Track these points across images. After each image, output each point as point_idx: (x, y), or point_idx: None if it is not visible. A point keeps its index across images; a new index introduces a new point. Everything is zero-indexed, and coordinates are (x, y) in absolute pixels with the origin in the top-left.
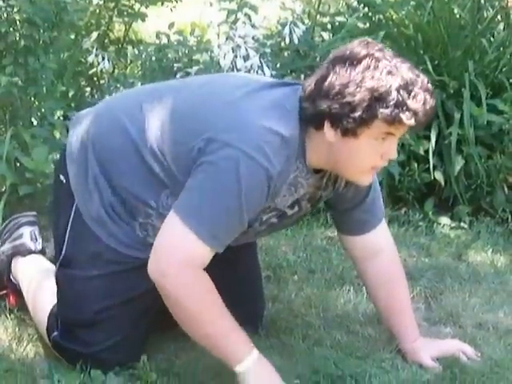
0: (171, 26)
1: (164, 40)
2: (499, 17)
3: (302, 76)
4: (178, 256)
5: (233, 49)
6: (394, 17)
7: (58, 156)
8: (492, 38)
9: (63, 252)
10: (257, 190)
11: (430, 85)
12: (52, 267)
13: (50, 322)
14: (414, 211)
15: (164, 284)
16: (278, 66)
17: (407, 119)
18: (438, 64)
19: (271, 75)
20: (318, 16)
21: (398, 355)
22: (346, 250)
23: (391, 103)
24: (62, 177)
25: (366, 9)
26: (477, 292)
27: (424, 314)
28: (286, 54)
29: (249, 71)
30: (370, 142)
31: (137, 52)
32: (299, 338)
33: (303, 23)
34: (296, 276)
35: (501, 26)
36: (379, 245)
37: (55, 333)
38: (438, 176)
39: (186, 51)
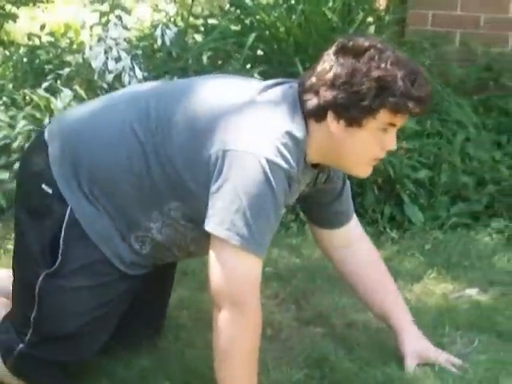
0: (43, 27)
1: (36, 41)
2: (370, 19)
3: (175, 78)
4: (247, 282)
5: (105, 50)
6: (265, 19)
7: (37, 165)
8: None
9: (58, 262)
10: (283, 192)
11: (426, 76)
12: None
13: (6, 340)
14: (286, 212)
15: (233, 310)
16: (151, 67)
17: (413, 107)
18: (310, 66)
19: (143, 77)
20: (191, 18)
21: (268, 357)
22: (321, 244)
23: (398, 92)
24: (45, 186)
25: (238, 11)
26: (347, 292)
27: (295, 315)
28: (158, 55)
29: (120, 73)
30: (373, 132)
31: (8, 53)
32: (171, 340)
33: (176, 25)
34: None
35: (372, 28)
36: (357, 233)
37: (21, 345)
38: None
39: (58, 53)
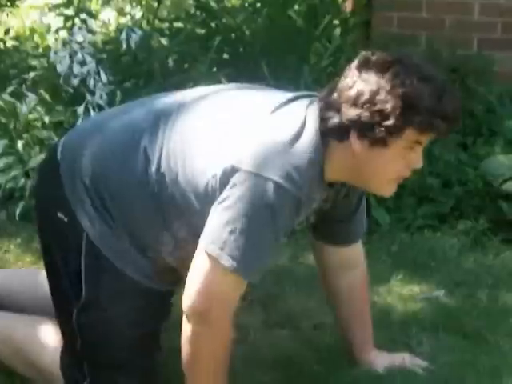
0: (7, 31)
1: (1, 45)
2: (336, 22)
3: (141, 81)
4: (225, 304)
5: (70, 54)
6: (231, 23)
7: (50, 193)
8: (328, 44)
9: (83, 294)
10: (288, 217)
11: (456, 90)
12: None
13: (70, 375)
14: None
15: (196, 325)
16: (116, 71)
17: (440, 125)
18: (275, 69)
19: (108, 81)
20: (157, 21)
21: (235, 359)
22: (319, 258)
23: (424, 110)
24: (60, 214)
25: (204, 15)
26: (314, 294)
27: (262, 317)
28: (124, 59)
29: (85, 77)
30: (399, 151)
31: None
32: None
33: (141, 29)
34: None
35: (337, 31)
36: (358, 258)
37: (85, 382)
38: None
39: (23, 57)
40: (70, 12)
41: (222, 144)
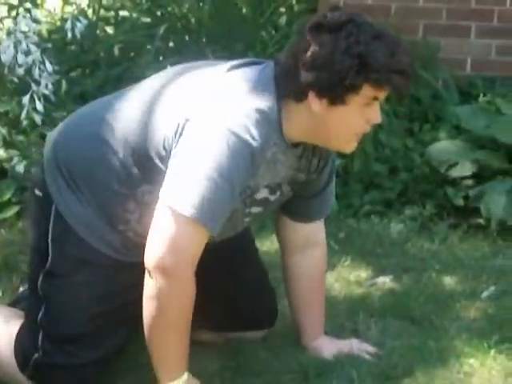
0: None
1: None
2: (282, 9)
3: (87, 70)
4: (184, 255)
5: (14, 44)
6: (176, 11)
7: (35, 173)
8: (274, 32)
9: (49, 261)
10: (243, 166)
11: (406, 45)
12: None
13: (21, 349)
14: None
15: (161, 280)
16: (62, 61)
17: (396, 80)
18: (221, 57)
19: (53, 70)
20: (102, 10)
21: None
22: (279, 233)
23: (380, 67)
24: (37, 191)
25: (149, 3)
26: None
27: None
28: (69, 49)
29: (30, 66)
30: (357, 108)
31: None
32: None
33: (87, 18)
34: None
35: (283, 18)
36: (317, 238)
37: (35, 355)
38: None
39: None
40: (14, 1)
41: (178, 103)
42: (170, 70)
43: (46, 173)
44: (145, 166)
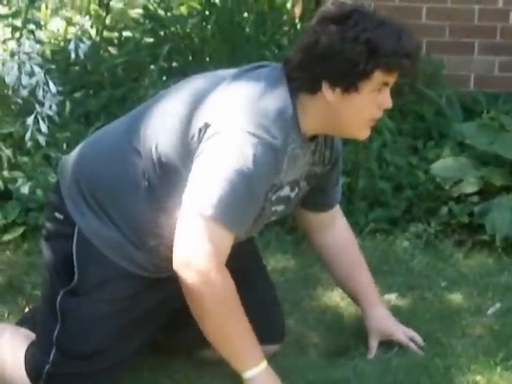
0: None
1: None
2: (285, 28)
3: (91, 91)
4: (210, 252)
5: (18, 65)
6: (179, 31)
7: (52, 197)
8: (277, 51)
9: (75, 280)
10: (265, 165)
11: (411, 29)
12: None
13: (33, 365)
14: None
15: (195, 280)
16: (65, 82)
17: (405, 63)
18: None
19: (57, 91)
20: (105, 31)
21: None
22: (302, 223)
23: (388, 51)
24: (57, 214)
25: (152, 23)
26: None
27: None
28: (72, 69)
29: (34, 88)
30: (369, 94)
31: None
32: None
33: (90, 38)
34: None
35: (286, 38)
36: (336, 214)
37: (47, 367)
38: None
39: None
40: (17, 23)
41: (196, 108)
42: (182, 82)
43: (64, 196)
44: (171, 177)
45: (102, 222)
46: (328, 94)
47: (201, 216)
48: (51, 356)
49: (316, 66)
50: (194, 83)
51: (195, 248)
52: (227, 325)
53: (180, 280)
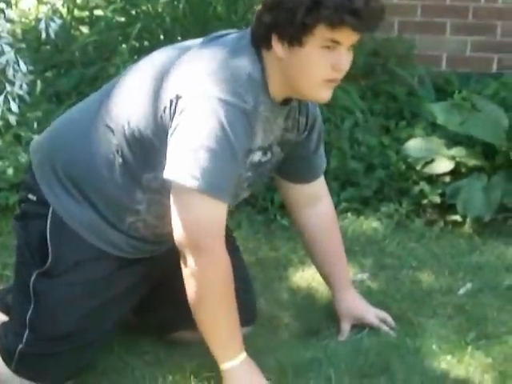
0: None
1: None
2: (256, 7)
3: (62, 70)
4: (211, 228)
5: None
6: (150, 10)
7: (25, 177)
8: None
9: (49, 261)
10: (241, 130)
11: None
12: None
13: (5, 343)
14: None
15: (193, 257)
16: (36, 61)
17: (350, 20)
18: None
19: (28, 70)
20: (76, 10)
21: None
22: (284, 197)
23: (332, 5)
24: (30, 195)
25: (124, 2)
26: None
27: None
28: (43, 48)
29: (4, 67)
30: (317, 50)
31: None
32: None
33: (62, 17)
34: None
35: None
36: (321, 192)
37: (20, 346)
38: None
39: None
40: None
41: (166, 80)
42: (150, 55)
43: (38, 178)
44: (145, 151)
45: (77, 203)
46: (278, 48)
47: (184, 189)
48: (24, 337)
49: (265, 16)
50: (161, 55)
51: (190, 225)
52: (220, 311)
53: (183, 261)
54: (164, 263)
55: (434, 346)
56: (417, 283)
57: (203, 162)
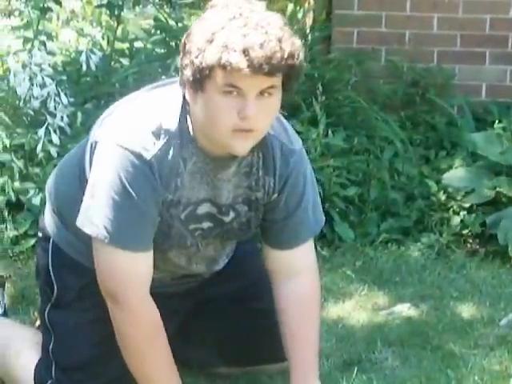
0: None
1: None
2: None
3: (102, 102)
4: (123, 279)
5: (29, 77)
6: None
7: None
8: None
9: (55, 292)
10: (138, 177)
11: (280, 24)
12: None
13: (39, 378)
14: None
15: (114, 308)
16: (77, 93)
17: (239, 61)
18: None
19: (69, 102)
20: (117, 42)
21: None
22: (266, 265)
23: (221, 43)
24: (39, 233)
25: (163, 34)
26: None
27: None
28: (84, 80)
29: (45, 99)
30: (218, 96)
31: None
32: None
33: (102, 49)
34: None
35: None
36: (301, 265)
37: (49, 381)
38: None
39: None
40: (29, 34)
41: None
42: None
43: (43, 213)
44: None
45: (67, 229)
46: (188, 94)
47: (102, 243)
48: (53, 371)
49: (180, 59)
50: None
51: (111, 279)
52: (147, 364)
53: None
54: (185, 298)
55: (476, 378)
56: (458, 314)
57: (108, 213)
